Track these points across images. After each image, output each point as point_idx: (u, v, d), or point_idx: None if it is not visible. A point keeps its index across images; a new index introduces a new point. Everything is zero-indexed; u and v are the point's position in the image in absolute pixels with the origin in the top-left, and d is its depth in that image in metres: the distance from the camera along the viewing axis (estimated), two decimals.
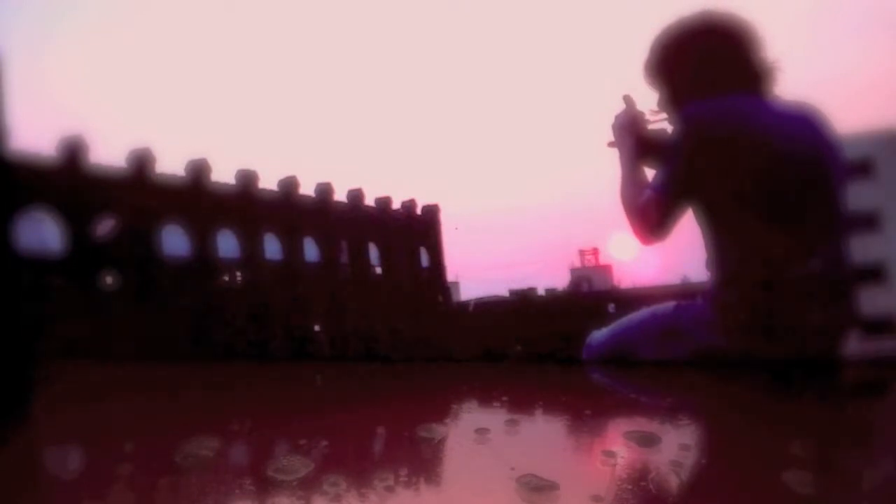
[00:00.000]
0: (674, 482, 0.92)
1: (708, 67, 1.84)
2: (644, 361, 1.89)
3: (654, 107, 1.96)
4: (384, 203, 36.85)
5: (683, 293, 1.98)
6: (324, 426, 1.18)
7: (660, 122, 1.97)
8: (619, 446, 1.02)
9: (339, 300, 31.02)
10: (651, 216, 1.79)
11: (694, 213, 1.80)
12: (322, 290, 30.87)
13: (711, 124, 1.77)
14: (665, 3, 2.28)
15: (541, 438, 1.19)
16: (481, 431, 1.09)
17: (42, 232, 24.42)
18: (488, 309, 34.53)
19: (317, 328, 30.12)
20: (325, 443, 1.05)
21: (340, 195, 35.08)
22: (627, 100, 2.00)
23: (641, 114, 1.98)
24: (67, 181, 25.23)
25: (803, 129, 1.79)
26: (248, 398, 1.47)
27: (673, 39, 1.87)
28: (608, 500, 0.83)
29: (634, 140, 1.94)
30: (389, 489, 0.90)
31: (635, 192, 1.85)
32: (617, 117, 1.99)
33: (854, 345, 1.75)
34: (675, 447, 1.05)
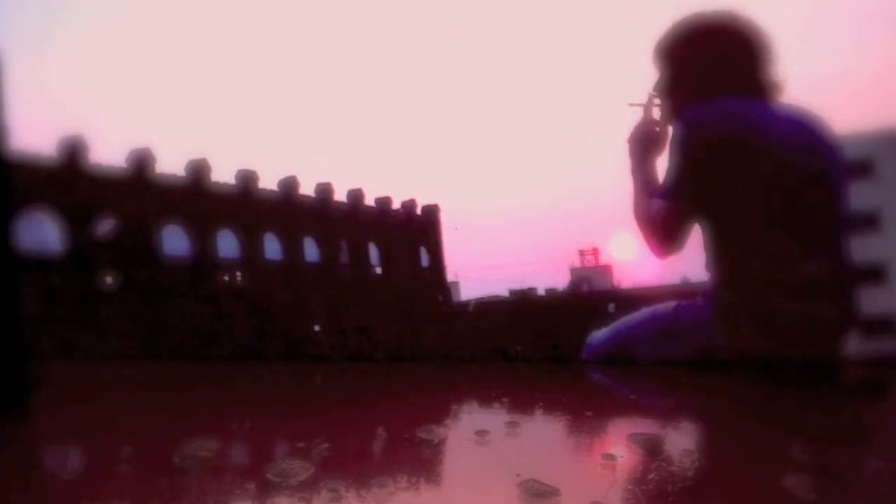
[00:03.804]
0: (674, 484, 0.92)
1: (709, 69, 1.83)
2: (644, 361, 1.89)
3: (651, 90, 1.94)
4: (384, 203, 36.82)
5: (683, 293, 1.97)
6: (323, 427, 1.18)
7: (655, 105, 1.95)
8: (619, 448, 1.02)
9: (339, 300, 30.99)
10: (664, 228, 1.79)
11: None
12: (322, 290, 30.84)
13: (711, 126, 1.77)
14: (666, 4, 2.27)
15: (541, 440, 1.19)
16: (481, 433, 1.09)
17: (42, 232, 24.41)
18: (488, 309, 34.48)
19: (317, 328, 30.09)
20: (323, 444, 1.05)
21: (340, 195, 35.09)
22: (645, 108, 1.96)
23: (656, 124, 1.95)
24: (67, 181, 25.22)
25: (803, 130, 1.79)
26: (248, 398, 1.47)
27: (680, 38, 1.86)
28: None
29: (650, 155, 1.92)
30: (388, 492, 0.90)
31: (649, 207, 1.84)
32: (633, 131, 1.95)
33: (854, 345, 1.75)
34: (676, 449, 1.05)
